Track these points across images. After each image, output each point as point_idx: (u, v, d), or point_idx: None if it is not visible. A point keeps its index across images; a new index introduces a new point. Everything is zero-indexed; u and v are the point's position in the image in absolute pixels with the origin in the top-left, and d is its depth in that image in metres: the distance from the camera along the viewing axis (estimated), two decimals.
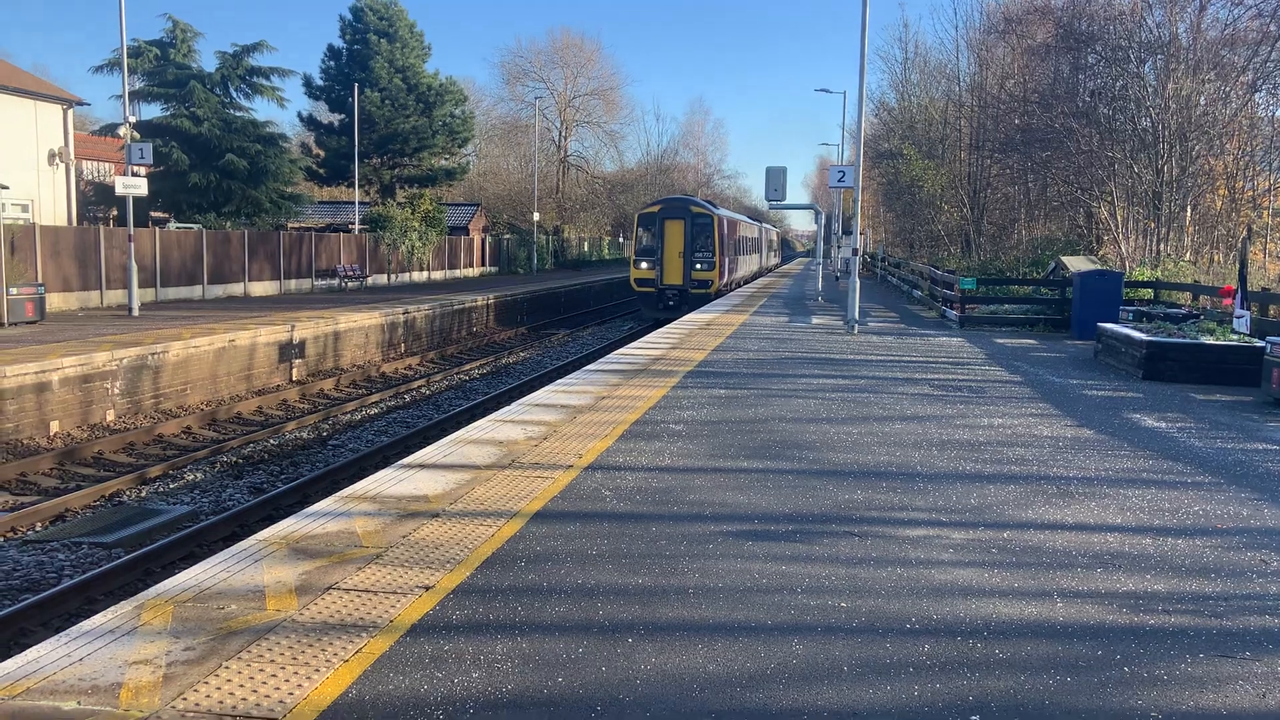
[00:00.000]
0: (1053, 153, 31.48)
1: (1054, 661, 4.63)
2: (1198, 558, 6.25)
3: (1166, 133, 27.12)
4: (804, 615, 5.11)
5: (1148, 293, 22.70)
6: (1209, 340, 14.75)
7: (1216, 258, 27.78)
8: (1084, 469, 8.65)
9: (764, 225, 66.06)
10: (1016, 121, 34.48)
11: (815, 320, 24.16)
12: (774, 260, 77.41)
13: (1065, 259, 26.51)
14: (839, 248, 48.17)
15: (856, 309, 21.47)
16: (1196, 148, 27.12)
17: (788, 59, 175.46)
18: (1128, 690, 4.36)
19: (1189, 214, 27.92)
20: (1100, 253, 29.66)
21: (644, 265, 34.23)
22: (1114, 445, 9.74)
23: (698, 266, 34.13)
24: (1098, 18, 30.97)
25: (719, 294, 34.52)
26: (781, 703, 4.15)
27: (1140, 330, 15.77)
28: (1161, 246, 27.22)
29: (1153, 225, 27.86)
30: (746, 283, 45.59)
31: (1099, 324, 17.30)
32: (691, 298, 33.43)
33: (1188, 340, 14.79)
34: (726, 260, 36.45)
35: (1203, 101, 27.67)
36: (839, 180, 23.38)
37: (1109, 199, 29.71)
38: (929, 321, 24.89)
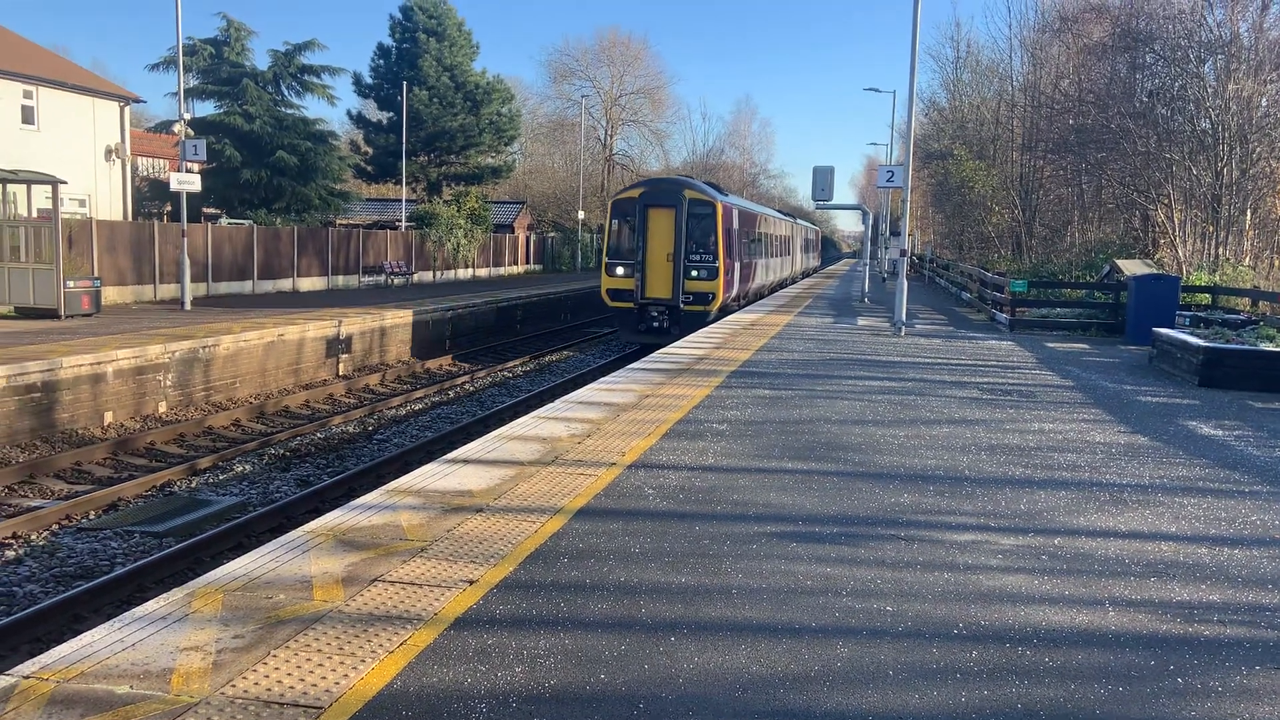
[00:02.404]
0: (1108, 154, 30.91)
1: (1105, 671, 4.54)
2: (1255, 568, 6.09)
3: (1226, 134, 26.49)
4: (849, 618, 5.06)
5: (1205, 298, 22.19)
6: (1269, 347, 14.39)
7: (1277, 262, 27.09)
8: (1138, 476, 8.47)
9: (798, 221, 55.00)
10: (1071, 122, 33.90)
11: (861, 321, 23.95)
12: (812, 262, 66.65)
13: (1120, 262, 26.01)
14: (886, 249, 47.77)
15: (904, 310, 21.24)
16: (1258, 150, 26.46)
17: (836, 58, 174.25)
18: (1181, 701, 4.26)
19: (1249, 217, 27.27)
20: (1156, 256, 29.05)
21: (619, 271, 24.35)
22: (1169, 452, 9.54)
23: (694, 274, 23.98)
24: (1156, 16, 30.35)
25: (725, 311, 25.54)
26: (825, 705, 4.11)
27: (1197, 336, 15.42)
28: (1220, 250, 26.60)
29: (1211, 229, 27.23)
30: (772, 292, 36.72)
31: (1154, 329, 16.94)
32: (685, 318, 24.00)
33: (1246, 347, 14.44)
34: (737, 265, 26.55)
35: (1264, 103, 26.99)
36: (887, 180, 23.15)
37: (1166, 201, 29.09)
38: (978, 324, 24.56)
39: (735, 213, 26.52)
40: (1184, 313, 19.44)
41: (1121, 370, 15.88)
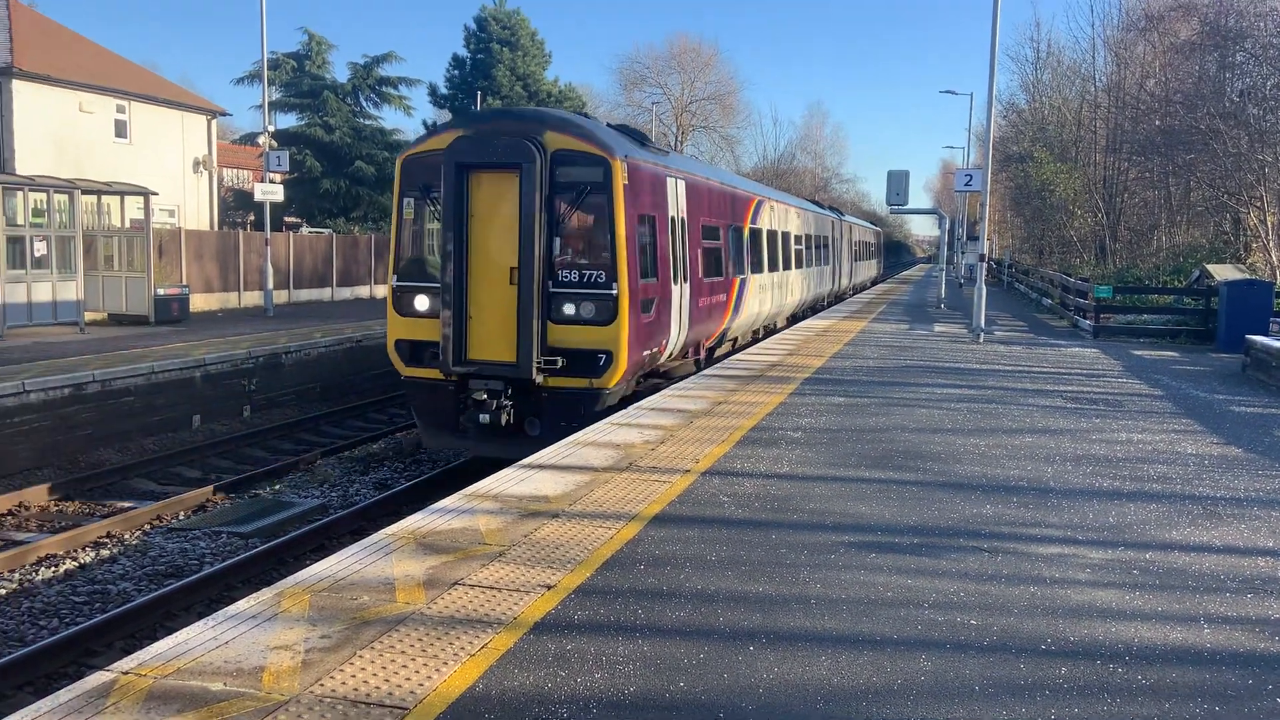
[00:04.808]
0: (1197, 155, 29.93)
1: (1200, 689, 4.38)
2: None
3: None
4: (931, 631, 4.97)
5: None
6: None
7: None
8: (1232, 489, 8.17)
9: (845, 218, 39.22)
10: (1157, 123, 32.90)
11: (938, 328, 23.54)
12: (869, 272, 51.64)
13: (1210, 267, 25.15)
14: (962, 253, 46.93)
15: (983, 316, 20.83)
16: None
17: (911, 61, 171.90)
18: None
19: None
20: (1248, 261, 28.03)
21: (419, 305, 12.35)
22: (1265, 464, 9.17)
23: (565, 310, 11.90)
24: (1247, 14, 29.34)
25: (651, 382, 14.20)
26: (908, 719, 4.04)
27: None
28: None
29: None
30: (791, 323, 25.55)
31: (1247, 336, 16.34)
32: (552, 405, 12.03)
33: None
34: (679, 291, 14.02)
35: None
36: (965, 184, 22.76)
37: (1258, 204, 28.04)
38: (1060, 331, 23.96)
39: (673, 185, 13.94)
40: (1278, 319, 18.69)
41: (1213, 379, 15.34)
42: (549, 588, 5.37)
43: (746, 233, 18.92)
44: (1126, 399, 12.98)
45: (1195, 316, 22.17)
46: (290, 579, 5.45)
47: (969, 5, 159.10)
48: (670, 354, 14.11)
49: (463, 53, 56.60)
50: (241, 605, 5.03)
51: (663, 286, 13.13)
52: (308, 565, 5.87)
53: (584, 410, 11.70)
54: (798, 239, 25.31)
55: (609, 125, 13.56)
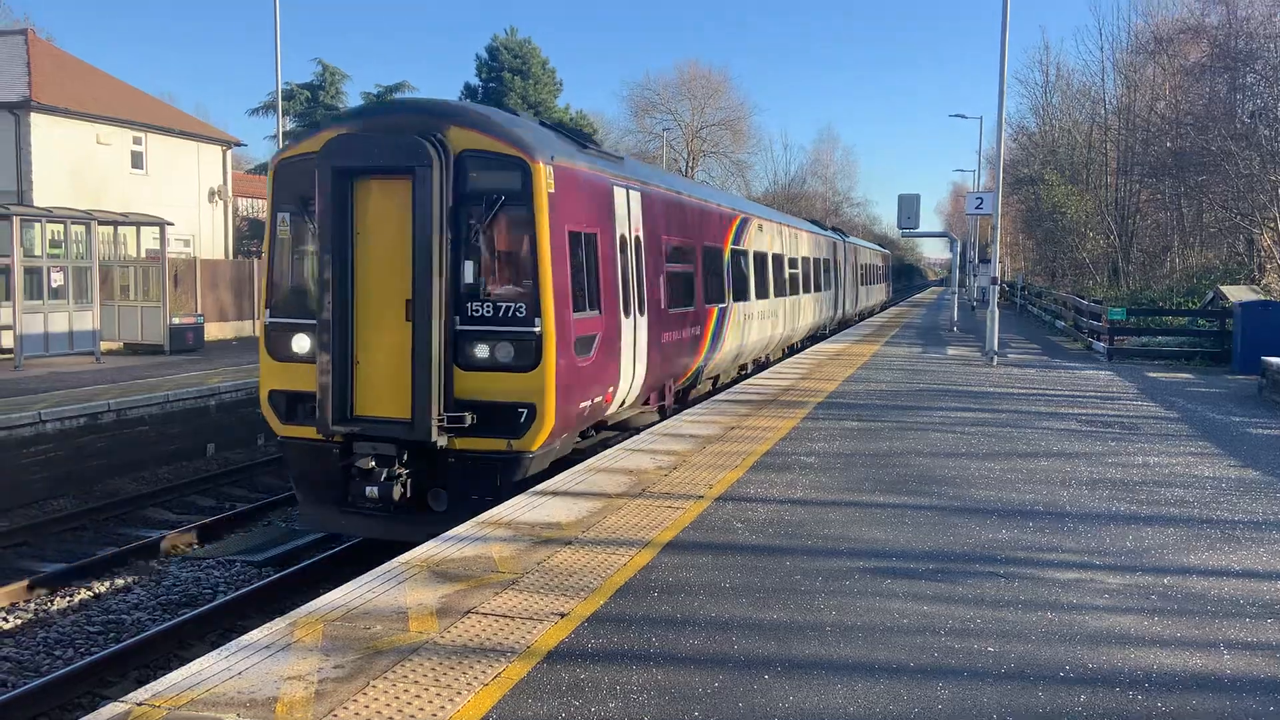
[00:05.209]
0: (1209, 177, 29.89)
1: (1221, 716, 4.34)
2: None
3: None
4: (948, 658, 4.92)
5: None
6: None
7: None
8: (1250, 512, 8.09)
9: (846, 239, 35.96)
10: (1168, 145, 32.91)
11: (951, 351, 23.48)
12: (877, 297, 49.23)
13: (1224, 288, 25.02)
14: (974, 276, 46.87)
15: (996, 339, 20.77)
16: None
17: (920, 85, 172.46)
18: None
19: None
20: (1263, 282, 27.87)
21: (296, 345, 9.80)
22: None
23: (477, 351, 9.35)
24: (1257, 35, 29.37)
25: (603, 443, 11.89)
26: None
27: None
28: None
29: None
30: (773, 359, 22.46)
31: (1263, 358, 16.22)
32: (460, 471, 9.40)
33: None
34: (640, 330, 11.85)
35: None
36: (976, 207, 22.78)
37: (1272, 225, 27.94)
38: (1074, 353, 23.86)
39: (624, 197, 11.77)
40: None
41: (1229, 401, 15.23)
42: (562, 616, 5.35)
43: (727, 255, 16.69)
44: (1142, 422, 12.90)
45: (1210, 338, 22.05)
46: (303, 608, 5.45)
47: (978, 29, 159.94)
48: (623, 401, 11.63)
49: (475, 81, 57.19)
50: (255, 635, 5.03)
51: (608, 320, 10.63)
52: (321, 594, 5.86)
53: (501, 480, 9.19)
54: (792, 262, 23.07)
55: (543, 124, 11.04)
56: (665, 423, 12.15)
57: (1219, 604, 5.83)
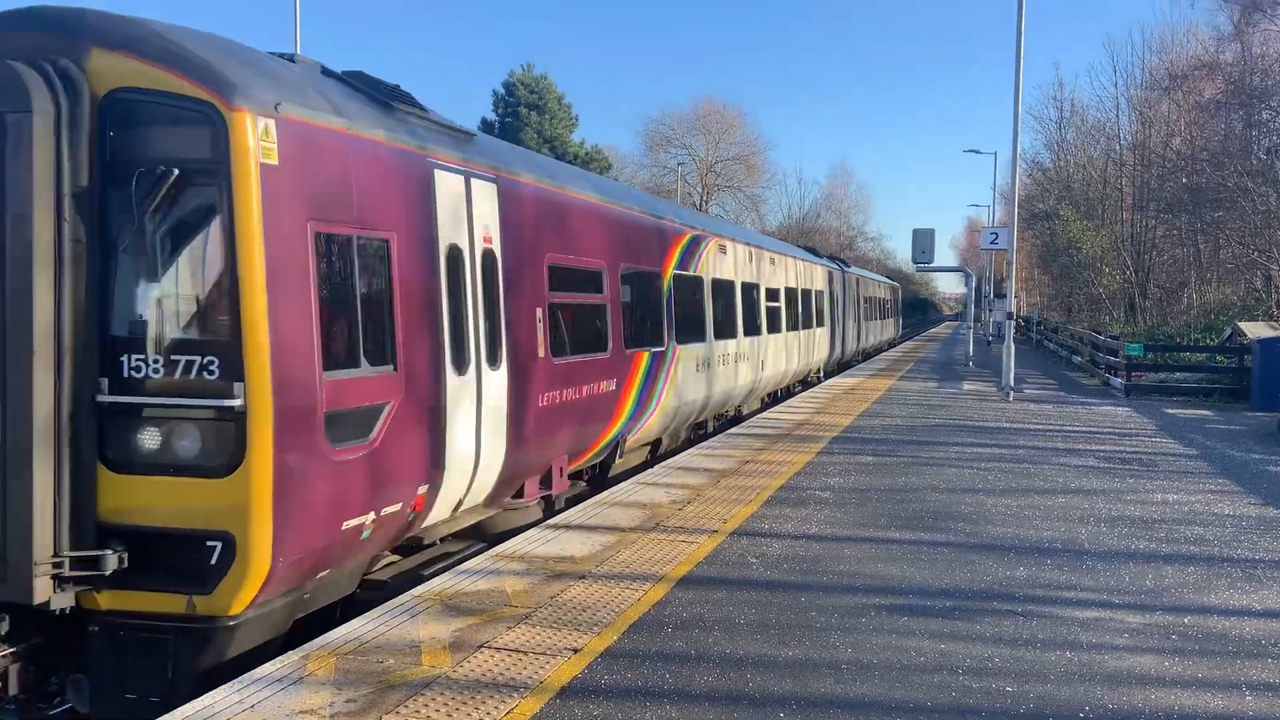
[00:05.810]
0: (1225, 213, 29.82)
1: None
2: None
3: None
4: (966, 697, 4.86)
5: None
6: None
7: None
8: (1272, 551, 7.99)
9: (847, 269, 32.41)
10: (1184, 180, 32.87)
11: (966, 386, 23.37)
12: (884, 333, 44.34)
13: (1243, 325, 24.87)
14: (989, 311, 46.76)
15: (1012, 374, 20.67)
16: None
17: (935, 121, 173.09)
18: None
19: None
20: None
21: None
22: None
23: (141, 441, 5.46)
24: (1272, 72, 29.41)
25: (414, 578, 7.27)
26: None
27: None
28: None
29: None
30: (751, 411, 18.74)
31: None
32: (108, 654, 5.47)
33: None
34: (494, 390, 7.97)
35: None
36: (992, 242, 22.79)
37: None
38: (1091, 389, 23.72)
39: (459, 187, 7.78)
40: None
41: (1248, 438, 15.09)
42: (576, 651, 5.32)
43: (668, 282, 12.80)
44: (1161, 459, 12.79)
45: (1229, 375, 21.88)
46: (316, 641, 5.44)
47: (992, 65, 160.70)
48: (458, 503, 7.73)
49: (491, 116, 57.79)
50: (268, 668, 5.02)
51: (415, 379, 6.81)
52: (335, 626, 5.85)
53: (176, 665, 5.41)
54: (772, 293, 19.00)
55: (325, 71, 7.03)
56: (679, 456, 12.12)
57: (1240, 644, 5.74)
